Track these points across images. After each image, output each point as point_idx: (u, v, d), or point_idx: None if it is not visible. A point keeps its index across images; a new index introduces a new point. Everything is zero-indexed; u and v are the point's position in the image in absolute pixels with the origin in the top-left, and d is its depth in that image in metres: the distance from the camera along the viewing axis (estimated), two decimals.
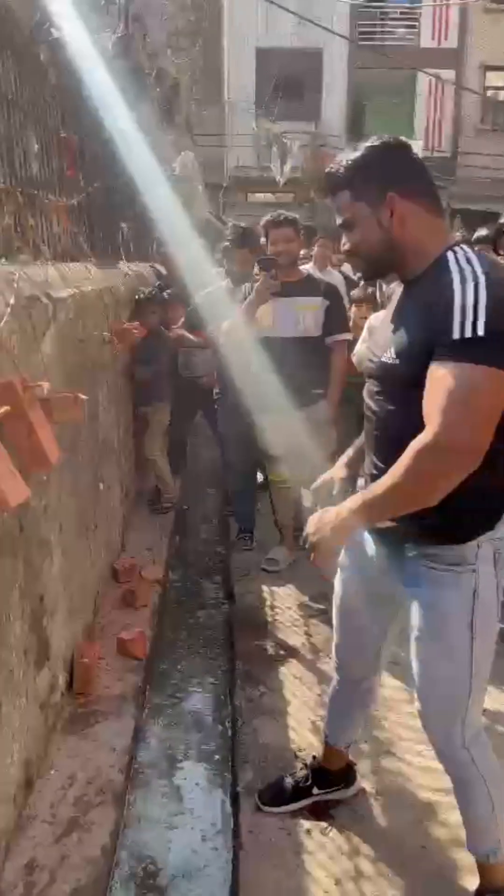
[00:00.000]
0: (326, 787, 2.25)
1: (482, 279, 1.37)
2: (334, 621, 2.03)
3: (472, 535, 1.56)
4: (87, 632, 3.10)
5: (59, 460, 2.02)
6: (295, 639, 3.24)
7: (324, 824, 2.19)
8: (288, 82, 16.50)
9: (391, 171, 1.53)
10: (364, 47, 15.57)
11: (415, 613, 1.68)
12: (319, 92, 17.32)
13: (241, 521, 4.32)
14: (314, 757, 2.30)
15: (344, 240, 1.64)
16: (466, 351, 1.34)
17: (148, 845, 2.28)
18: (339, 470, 1.96)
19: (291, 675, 2.96)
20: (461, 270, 1.41)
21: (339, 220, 1.61)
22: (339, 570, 1.94)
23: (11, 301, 2.15)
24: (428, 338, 1.40)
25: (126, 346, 3.87)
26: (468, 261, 1.43)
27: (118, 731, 2.63)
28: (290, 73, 16.44)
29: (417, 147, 14.28)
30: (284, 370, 3.40)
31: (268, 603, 3.58)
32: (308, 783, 2.24)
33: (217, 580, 4.09)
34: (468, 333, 1.33)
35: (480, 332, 1.33)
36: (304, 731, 2.61)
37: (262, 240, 3.84)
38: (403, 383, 1.50)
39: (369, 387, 1.69)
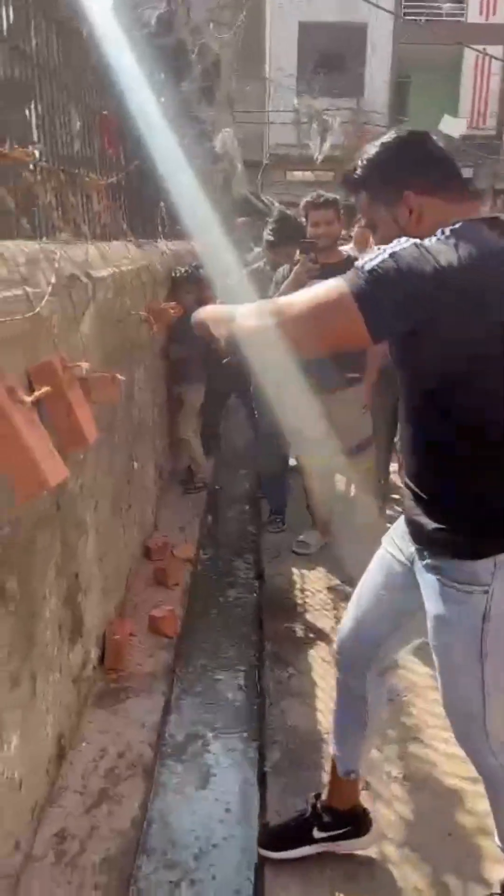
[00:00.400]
0: (331, 829, 2.02)
1: (413, 241, 1.34)
2: (353, 596, 1.92)
3: (488, 551, 1.47)
4: (119, 609, 3.15)
5: (96, 439, 2.04)
6: (324, 622, 3.25)
7: None
8: (331, 58, 16.23)
9: (406, 169, 1.48)
10: (409, 22, 15.21)
11: (429, 628, 1.62)
12: (363, 68, 16.98)
13: (273, 503, 4.33)
14: (316, 796, 2.08)
15: (372, 239, 1.62)
16: (350, 271, 1.34)
17: (175, 820, 2.33)
18: None
19: (320, 658, 2.97)
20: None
21: (363, 221, 1.60)
22: (386, 535, 1.87)
23: (53, 280, 2.17)
24: None
25: (163, 325, 3.87)
26: (441, 232, 1.38)
27: (148, 708, 2.67)
28: (333, 48, 16.17)
29: (461, 125, 13.98)
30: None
31: (298, 585, 3.59)
32: (309, 824, 2.04)
33: (248, 561, 4.12)
34: (360, 264, 1.34)
35: (367, 266, 1.32)
36: (331, 715, 2.62)
37: (302, 219, 3.81)
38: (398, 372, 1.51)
39: None
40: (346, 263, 3.74)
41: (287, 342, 1.38)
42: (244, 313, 1.49)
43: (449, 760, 2.36)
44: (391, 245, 1.33)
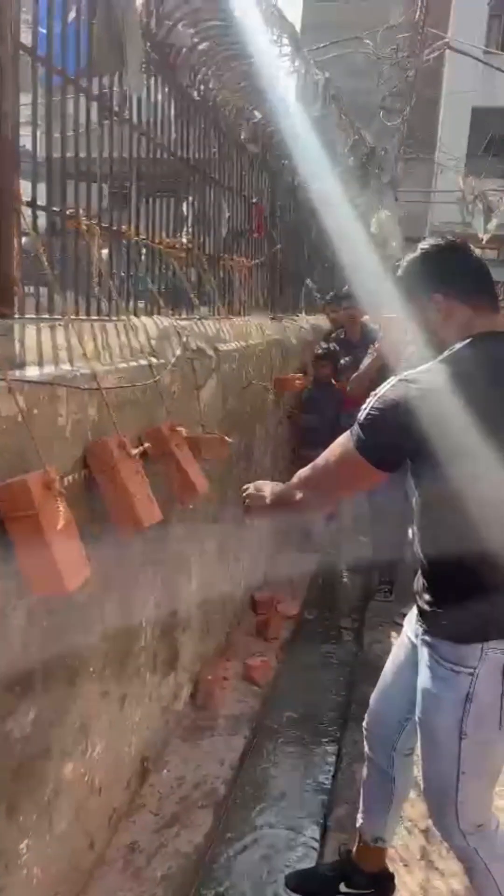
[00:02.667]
0: (357, 887, 2.14)
1: (401, 376, 1.54)
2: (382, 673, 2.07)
3: (473, 638, 1.58)
4: (217, 652, 3.38)
5: (205, 489, 2.31)
6: None
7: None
8: (502, 140, 16.43)
9: (438, 275, 1.65)
10: None
11: (417, 697, 1.73)
12: None
13: (384, 571, 4.42)
14: (349, 851, 2.20)
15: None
16: (354, 428, 1.58)
17: (235, 856, 2.46)
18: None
19: None
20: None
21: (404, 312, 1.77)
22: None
23: (178, 353, 2.51)
24: None
25: (284, 394, 4.16)
26: (442, 357, 1.57)
27: (229, 748, 2.85)
28: None
29: None
30: None
31: None
32: (337, 877, 2.17)
33: (349, 625, 4.22)
34: (359, 416, 1.58)
35: (360, 418, 1.56)
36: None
37: None
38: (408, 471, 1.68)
39: None
40: None
41: (324, 503, 1.80)
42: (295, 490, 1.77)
43: None
44: (380, 388, 1.56)
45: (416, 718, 1.75)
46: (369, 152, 5.81)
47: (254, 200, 4.15)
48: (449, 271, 1.66)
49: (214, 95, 3.32)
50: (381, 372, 3.74)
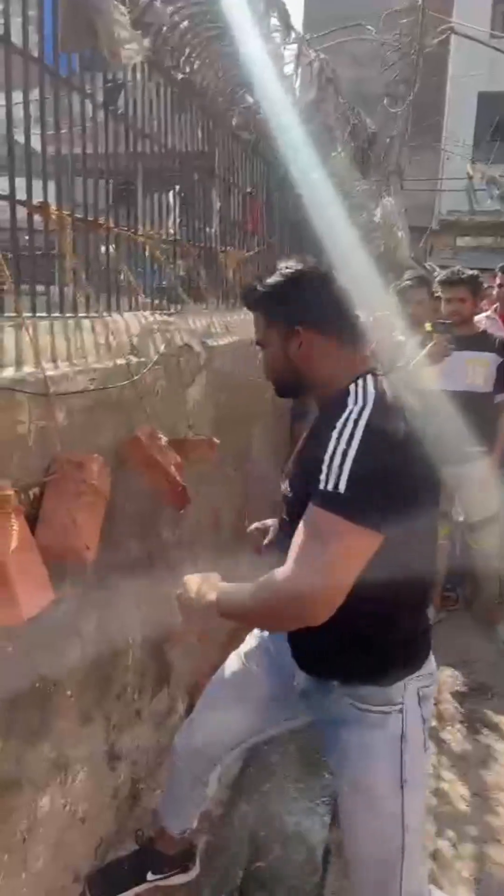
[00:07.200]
0: (163, 871, 2.13)
1: (361, 426, 1.34)
2: (208, 690, 2.00)
3: (400, 676, 1.54)
4: (219, 657, 3.22)
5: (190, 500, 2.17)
6: None
7: None
8: None
9: (302, 304, 1.50)
10: None
11: (339, 759, 1.61)
12: None
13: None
14: (150, 838, 2.16)
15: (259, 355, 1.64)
16: (331, 502, 1.32)
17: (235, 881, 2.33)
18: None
19: None
20: (350, 411, 1.38)
21: (255, 336, 1.62)
22: (246, 645, 1.94)
23: (161, 350, 2.37)
24: (308, 479, 1.39)
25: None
26: (363, 397, 1.40)
27: (227, 763, 2.70)
28: None
29: None
30: (448, 424, 3.36)
31: None
32: (143, 866, 2.13)
33: None
34: (330, 486, 1.32)
35: (342, 488, 1.30)
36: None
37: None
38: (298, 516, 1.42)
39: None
40: (481, 337, 3.75)
41: (319, 609, 1.34)
42: (253, 609, 1.47)
43: None
44: (337, 450, 1.33)
45: (344, 782, 1.61)
46: (370, 138, 5.63)
47: (248, 190, 3.99)
48: (314, 300, 1.50)
49: (201, 79, 3.16)
50: None
